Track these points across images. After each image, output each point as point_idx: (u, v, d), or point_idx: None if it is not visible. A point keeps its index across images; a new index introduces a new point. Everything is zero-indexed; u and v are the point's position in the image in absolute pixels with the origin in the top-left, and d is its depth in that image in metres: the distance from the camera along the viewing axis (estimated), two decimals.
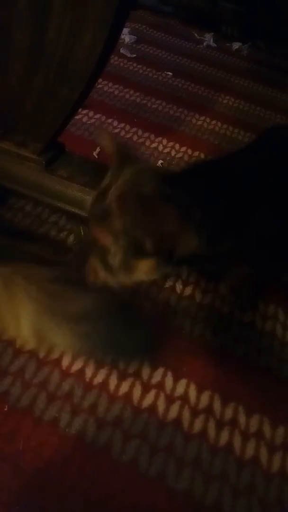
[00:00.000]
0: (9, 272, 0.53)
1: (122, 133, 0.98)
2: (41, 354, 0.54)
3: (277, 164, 0.57)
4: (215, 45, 1.57)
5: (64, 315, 0.51)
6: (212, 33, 1.60)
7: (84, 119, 0.98)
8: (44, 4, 0.48)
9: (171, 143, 0.99)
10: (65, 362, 0.54)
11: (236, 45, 1.61)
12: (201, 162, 0.59)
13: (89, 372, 0.54)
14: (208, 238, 0.47)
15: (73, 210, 0.63)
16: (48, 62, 0.51)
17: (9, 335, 0.53)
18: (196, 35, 1.60)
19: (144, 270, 0.46)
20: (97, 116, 1.00)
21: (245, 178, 0.52)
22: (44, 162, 0.61)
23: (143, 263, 0.46)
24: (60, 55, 0.51)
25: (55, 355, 0.54)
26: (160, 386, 0.55)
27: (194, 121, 1.11)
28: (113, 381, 0.54)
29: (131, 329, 0.55)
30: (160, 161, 0.92)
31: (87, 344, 0.52)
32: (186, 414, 0.53)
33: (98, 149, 0.90)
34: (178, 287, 0.67)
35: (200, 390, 0.55)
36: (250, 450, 0.51)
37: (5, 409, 0.49)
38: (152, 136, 0.99)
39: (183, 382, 0.56)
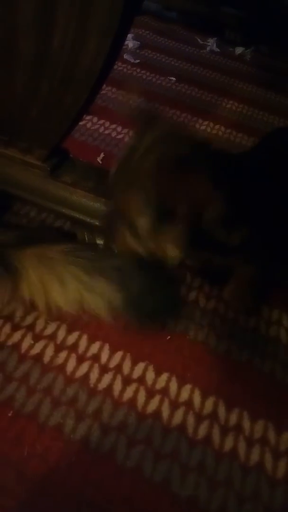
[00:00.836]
0: (39, 250, 0.57)
1: (126, 138, 0.98)
2: (45, 359, 0.54)
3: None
4: (218, 50, 1.58)
5: (101, 270, 0.56)
6: (215, 38, 1.61)
7: (88, 125, 0.99)
8: (48, 12, 0.49)
9: None
10: (69, 367, 0.54)
11: (239, 50, 1.62)
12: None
13: (93, 377, 0.54)
14: (231, 216, 0.46)
15: (77, 216, 0.63)
16: (53, 69, 0.52)
17: (52, 303, 0.56)
18: (199, 40, 1.60)
19: (170, 238, 0.45)
20: (101, 122, 1.01)
21: (265, 172, 0.52)
22: (48, 169, 0.61)
23: (171, 229, 0.45)
24: (64, 63, 0.51)
25: (60, 360, 0.54)
26: (165, 391, 0.55)
27: (197, 125, 1.11)
28: (117, 387, 0.54)
29: (159, 287, 0.59)
30: None
31: (122, 300, 0.56)
32: (191, 420, 0.53)
33: (102, 155, 0.90)
34: (182, 292, 0.67)
35: (204, 396, 0.55)
36: (255, 456, 0.51)
37: (10, 414, 0.49)
38: None
39: (187, 388, 0.56)
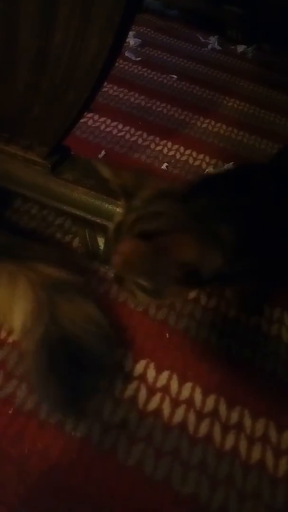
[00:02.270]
0: (16, 269, 0.54)
1: (127, 136, 0.98)
2: None
3: None
4: (220, 48, 1.57)
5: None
6: (217, 36, 1.60)
7: (89, 123, 0.99)
8: (50, 10, 0.48)
9: (175, 146, 0.99)
10: None
11: (240, 48, 1.61)
12: (219, 175, 0.57)
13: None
14: (233, 256, 0.46)
15: (78, 213, 0.63)
16: (55, 66, 0.52)
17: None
18: (200, 38, 1.60)
19: (173, 294, 0.47)
20: (102, 119, 1.01)
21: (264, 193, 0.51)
22: (49, 166, 0.61)
23: (171, 289, 0.46)
24: (66, 60, 0.51)
25: None
26: (166, 389, 0.55)
27: (199, 124, 1.11)
28: (118, 385, 0.54)
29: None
30: (165, 164, 0.92)
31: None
32: (192, 418, 0.53)
33: (103, 153, 0.90)
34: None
35: (205, 394, 0.55)
36: (256, 454, 0.51)
37: (10, 411, 0.49)
38: (157, 139, 1.00)
39: (188, 386, 0.56)
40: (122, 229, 0.46)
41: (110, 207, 0.62)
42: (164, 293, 0.46)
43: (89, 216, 0.63)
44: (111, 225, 0.51)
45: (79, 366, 0.50)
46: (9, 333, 0.55)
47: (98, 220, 0.63)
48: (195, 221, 0.45)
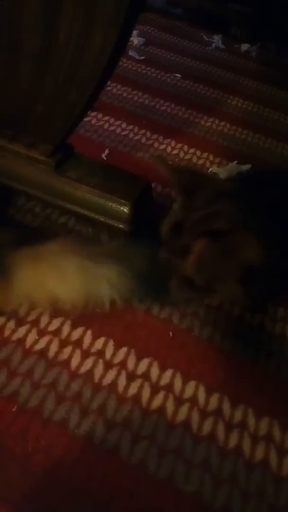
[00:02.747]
0: (34, 251, 0.56)
1: (131, 135, 0.98)
2: (50, 354, 0.54)
3: None
4: (224, 47, 1.57)
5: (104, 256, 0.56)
6: (221, 35, 1.60)
7: (93, 121, 0.98)
8: (54, 8, 0.48)
9: (179, 145, 0.99)
10: (74, 363, 0.54)
11: (245, 47, 1.61)
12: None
13: (98, 373, 0.54)
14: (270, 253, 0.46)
15: (82, 211, 0.63)
16: (58, 65, 0.52)
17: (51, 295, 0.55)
18: (204, 37, 1.60)
19: (225, 293, 0.47)
20: (106, 118, 1.01)
21: None
22: (53, 164, 0.61)
23: (224, 287, 0.46)
24: (70, 58, 0.51)
25: (64, 356, 0.54)
26: (169, 387, 0.54)
27: (202, 122, 1.10)
28: (121, 382, 0.54)
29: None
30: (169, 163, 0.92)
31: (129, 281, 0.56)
32: (195, 416, 0.52)
33: (107, 151, 0.90)
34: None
35: (209, 392, 0.55)
36: (259, 453, 0.51)
37: (14, 409, 0.49)
38: (161, 138, 0.99)
39: (192, 384, 0.55)
40: (184, 228, 0.46)
41: (113, 205, 0.62)
42: (214, 291, 0.46)
43: (93, 215, 0.63)
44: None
45: None
46: (13, 331, 0.55)
47: (101, 219, 0.63)
48: (253, 221, 0.45)
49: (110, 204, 0.62)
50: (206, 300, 0.54)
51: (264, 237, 0.45)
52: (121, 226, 0.62)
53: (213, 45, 1.56)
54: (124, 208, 0.62)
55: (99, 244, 0.61)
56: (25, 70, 0.54)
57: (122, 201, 0.62)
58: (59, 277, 0.55)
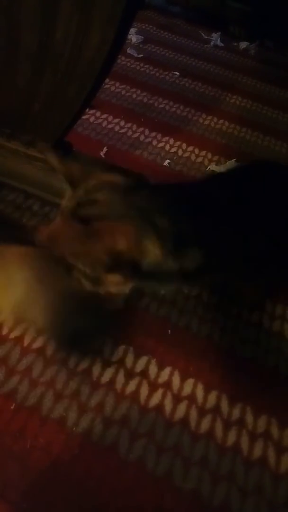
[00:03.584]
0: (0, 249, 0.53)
1: (129, 133, 0.98)
2: (48, 353, 0.54)
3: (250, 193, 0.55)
4: (222, 45, 1.57)
5: (51, 291, 0.50)
6: (219, 33, 1.59)
7: (91, 119, 0.98)
8: (51, 5, 0.48)
9: (178, 143, 0.99)
10: (71, 361, 0.54)
11: (243, 45, 1.61)
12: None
13: (96, 371, 0.54)
14: (173, 248, 0.46)
15: None
16: (56, 62, 0.52)
17: None
18: (203, 34, 1.59)
19: (113, 284, 0.46)
20: (104, 116, 1.01)
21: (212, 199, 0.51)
22: None
23: (110, 277, 0.45)
24: (67, 56, 0.51)
25: (62, 354, 0.54)
26: (167, 385, 0.55)
27: (201, 120, 1.10)
28: (120, 380, 0.54)
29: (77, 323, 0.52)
30: (167, 161, 0.92)
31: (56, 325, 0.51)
32: (193, 414, 0.53)
33: (105, 149, 0.90)
34: (185, 287, 0.66)
35: (207, 390, 0.55)
36: (257, 451, 0.51)
37: (12, 407, 0.49)
38: (159, 136, 0.99)
39: (190, 382, 0.55)
40: (63, 215, 0.46)
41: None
42: (103, 281, 0.46)
43: None
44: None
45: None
46: (11, 329, 0.55)
47: None
48: (134, 211, 0.44)
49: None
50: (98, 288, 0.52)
51: (154, 230, 0.44)
52: None
53: (211, 43, 1.56)
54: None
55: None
56: (23, 68, 0.54)
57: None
58: (4, 290, 0.51)
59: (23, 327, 0.56)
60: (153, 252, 0.43)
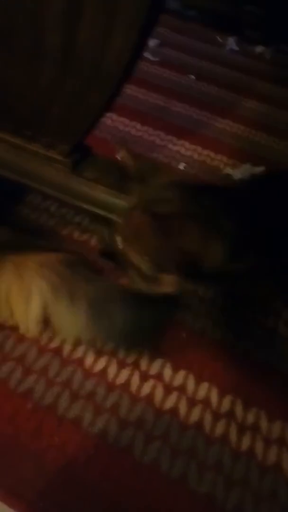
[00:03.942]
0: (21, 259, 0.54)
1: (145, 136, 0.98)
2: (64, 353, 0.55)
3: None
4: (238, 49, 1.57)
5: (75, 297, 0.52)
6: (235, 37, 1.59)
7: (108, 122, 0.99)
8: (76, 9, 0.49)
9: (193, 146, 0.99)
10: (88, 361, 0.55)
11: (259, 49, 1.60)
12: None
13: (111, 372, 0.54)
14: (233, 252, 0.46)
15: (97, 211, 0.64)
16: (79, 65, 0.52)
17: (14, 320, 0.54)
18: (219, 38, 1.59)
19: (168, 284, 0.47)
20: (121, 119, 1.01)
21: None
22: (71, 164, 0.62)
23: (167, 277, 0.46)
24: (90, 59, 0.51)
25: (78, 354, 0.55)
26: (182, 388, 0.55)
27: (216, 124, 1.10)
28: (135, 382, 0.54)
29: (136, 318, 0.55)
30: (182, 164, 0.92)
31: (92, 330, 0.53)
32: (208, 418, 0.53)
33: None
34: (200, 290, 0.66)
35: (221, 394, 0.55)
36: (272, 456, 0.51)
37: (29, 406, 0.49)
38: (175, 139, 1.00)
39: (204, 386, 0.56)
40: (132, 211, 0.47)
41: (128, 205, 0.62)
42: (159, 281, 0.46)
43: (108, 214, 0.63)
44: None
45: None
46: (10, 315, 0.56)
47: (115, 218, 0.63)
48: (203, 212, 0.45)
49: (125, 204, 0.62)
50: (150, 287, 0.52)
51: (219, 232, 0.45)
52: None
53: (227, 47, 1.56)
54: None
55: (85, 276, 0.56)
56: (46, 71, 0.54)
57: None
58: (22, 304, 0.52)
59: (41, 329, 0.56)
60: (216, 255, 0.43)
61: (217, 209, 0.46)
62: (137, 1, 0.47)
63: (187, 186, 0.50)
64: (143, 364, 0.56)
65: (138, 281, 0.46)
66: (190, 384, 0.55)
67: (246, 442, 0.51)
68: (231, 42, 1.57)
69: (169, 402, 0.53)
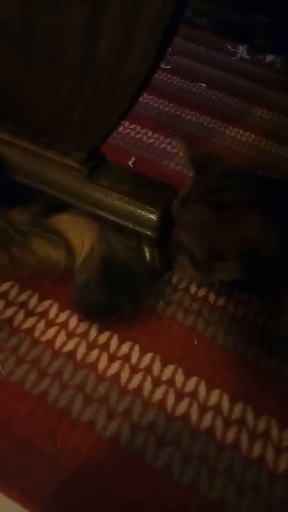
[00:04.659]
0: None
1: (157, 143, 1.00)
2: (78, 356, 0.55)
3: None
4: (249, 57, 1.58)
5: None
6: (246, 45, 1.61)
7: (120, 129, 1.00)
8: (97, 18, 0.50)
9: None
10: (101, 365, 0.55)
11: (269, 58, 1.62)
12: None
13: (124, 376, 0.55)
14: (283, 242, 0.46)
15: (112, 218, 0.64)
16: (98, 75, 0.53)
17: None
18: (229, 47, 1.61)
19: (224, 272, 0.47)
20: (132, 126, 1.03)
21: None
22: (86, 171, 0.63)
23: (226, 266, 0.46)
24: (109, 69, 0.52)
25: (91, 358, 0.56)
26: (193, 395, 0.55)
27: (227, 132, 1.11)
28: (147, 387, 0.55)
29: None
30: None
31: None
32: (219, 424, 0.53)
33: (133, 159, 0.92)
34: (211, 297, 0.67)
35: (233, 401, 0.56)
36: (283, 464, 0.51)
37: (44, 408, 0.50)
38: None
39: (216, 392, 0.56)
40: (189, 200, 0.48)
41: (143, 213, 0.63)
42: (215, 268, 0.47)
43: (122, 221, 0.64)
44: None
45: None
46: (43, 332, 0.57)
47: (130, 225, 0.64)
48: (263, 202, 0.45)
49: (139, 212, 0.63)
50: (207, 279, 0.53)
51: (275, 222, 0.45)
52: (149, 233, 0.63)
53: (238, 56, 1.57)
54: (153, 215, 0.63)
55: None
56: (65, 80, 0.55)
57: (151, 209, 0.63)
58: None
59: (54, 330, 0.57)
60: (275, 245, 0.44)
61: (274, 200, 0.46)
62: (158, 12, 0.48)
63: (245, 174, 0.51)
64: (155, 369, 0.57)
65: (190, 269, 0.47)
66: (202, 390, 0.56)
67: (257, 449, 0.52)
68: (242, 51, 1.59)
69: (181, 408, 0.54)
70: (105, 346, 0.57)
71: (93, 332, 0.59)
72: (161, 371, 0.57)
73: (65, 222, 0.61)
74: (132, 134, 1.00)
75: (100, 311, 0.59)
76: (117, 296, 0.59)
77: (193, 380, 0.57)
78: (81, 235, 0.60)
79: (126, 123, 1.03)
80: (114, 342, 0.58)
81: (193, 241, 0.47)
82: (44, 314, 0.59)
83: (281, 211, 0.46)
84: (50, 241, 0.60)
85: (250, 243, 0.43)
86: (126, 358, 0.57)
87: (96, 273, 0.58)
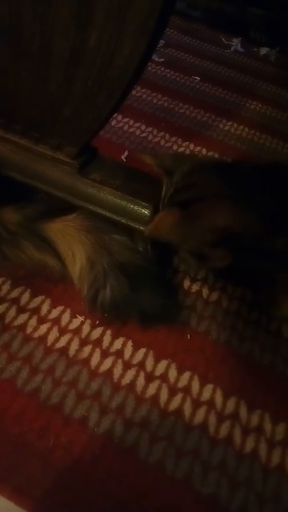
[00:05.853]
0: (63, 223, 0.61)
1: (150, 137, 0.99)
2: (70, 352, 0.55)
3: None
4: (243, 50, 1.57)
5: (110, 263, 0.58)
6: (240, 38, 1.60)
7: (113, 123, 0.99)
8: (86, 12, 0.49)
9: (198, 148, 1.00)
10: (93, 361, 0.55)
11: (264, 50, 1.61)
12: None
13: (117, 372, 0.55)
14: (271, 225, 0.47)
15: (104, 213, 0.64)
16: (88, 69, 0.52)
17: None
18: (223, 40, 1.60)
19: (218, 258, 0.48)
20: (125, 120, 1.02)
21: None
22: (78, 166, 0.62)
23: (216, 252, 0.47)
24: (99, 63, 0.52)
25: (84, 354, 0.55)
26: (187, 390, 0.55)
27: (221, 126, 1.11)
28: (140, 383, 0.55)
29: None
30: None
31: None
32: (212, 419, 0.53)
33: (126, 153, 0.91)
34: (205, 292, 0.67)
35: (226, 396, 0.56)
36: (276, 458, 0.51)
37: (36, 405, 0.50)
38: (180, 141, 1.00)
39: (209, 387, 0.56)
40: (163, 204, 0.48)
41: (135, 207, 0.63)
42: (209, 257, 0.47)
43: (115, 216, 0.64)
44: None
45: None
46: (35, 328, 0.57)
47: (123, 220, 0.64)
48: (232, 190, 0.46)
49: (132, 206, 0.63)
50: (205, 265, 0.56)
51: (249, 204, 0.46)
52: (142, 228, 0.63)
53: (232, 48, 1.56)
54: (145, 210, 0.62)
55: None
56: (55, 74, 0.55)
57: (144, 203, 0.62)
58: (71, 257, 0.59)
59: (46, 327, 0.57)
60: (252, 224, 0.44)
61: (246, 184, 0.47)
62: (147, 6, 0.47)
63: (211, 167, 0.51)
64: (149, 365, 0.56)
65: (191, 262, 0.48)
66: (195, 385, 0.56)
67: (250, 443, 0.52)
68: (236, 44, 1.58)
69: (174, 403, 0.54)
70: (98, 342, 0.57)
71: (85, 328, 0.58)
72: (154, 366, 0.56)
73: (55, 231, 0.60)
74: (125, 128, 1.00)
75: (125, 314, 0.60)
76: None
77: (186, 375, 0.57)
78: (69, 247, 0.59)
79: (119, 117, 1.02)
80: (107, 338, 0.58)
81: (175, 243, 0.48)
82: (36, 310, 0.58)
83: (255, 192, 0.47)
84: (38, 247, 0.59)
85: (225, 230, 0.44)
86: (119, 354, 0.57)
87: (111, 284, 0.58)
